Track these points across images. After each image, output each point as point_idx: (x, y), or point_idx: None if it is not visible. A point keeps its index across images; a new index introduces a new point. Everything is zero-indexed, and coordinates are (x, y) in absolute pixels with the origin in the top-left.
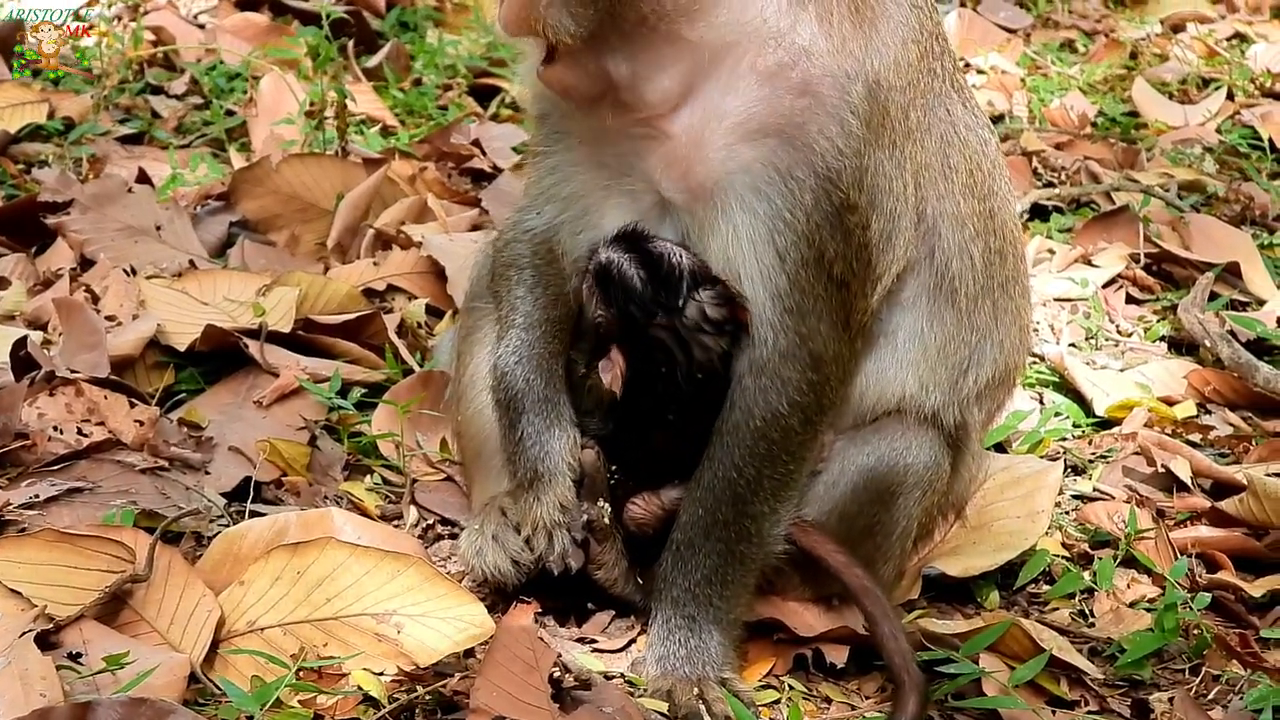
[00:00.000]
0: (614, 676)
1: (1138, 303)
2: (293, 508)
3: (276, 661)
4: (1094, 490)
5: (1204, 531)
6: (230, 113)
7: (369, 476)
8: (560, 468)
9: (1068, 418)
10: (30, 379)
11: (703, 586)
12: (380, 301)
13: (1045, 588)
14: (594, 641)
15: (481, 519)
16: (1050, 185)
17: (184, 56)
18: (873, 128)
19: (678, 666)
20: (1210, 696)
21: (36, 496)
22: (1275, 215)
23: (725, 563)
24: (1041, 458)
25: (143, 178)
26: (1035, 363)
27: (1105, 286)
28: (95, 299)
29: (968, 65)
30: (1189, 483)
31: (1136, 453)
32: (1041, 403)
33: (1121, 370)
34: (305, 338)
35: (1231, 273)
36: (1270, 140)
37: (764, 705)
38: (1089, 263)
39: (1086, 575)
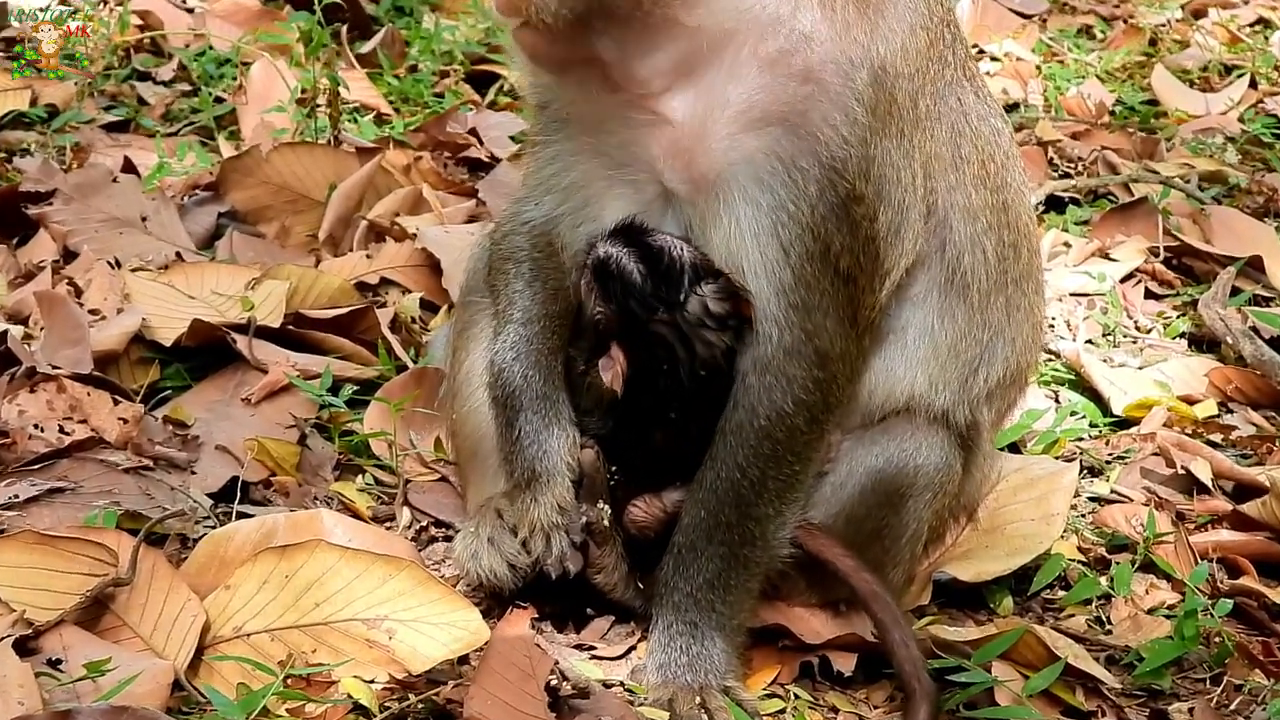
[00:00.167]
0: (613, 684)
1: (1157, 298)
2: (281, 509)
3: (263, 668)
4: (1111, 492)
5: (1225, 535)
6: (219, 100)
7: (361, 477)
8: (559, 468)
9: (1084, 417)
10: (10, 375)
11: (705, 591)
12: (373, 295)
13: (1060, 593)
14: (593, 648)
15: (477, 521)
16: (1066, 176)
17: (172, 42)
18: (879, 116)
19: (679, 674)
20: (1232, 707)
21: (16, 497)
22: None
23: (728, 567)
24: (1057, 458)
25: (128, 167)
26: (1051, 360)
27: (1123, 281)
28: (78, 292)
29: (981, 52)
30: (1210, 485)
31: (1155, 453)
32: (1057, 401)
33: (1140, 368)
34: (295, 333)
35: (1254, 267)
36: None
37: (768, 715)
38: (1106, 256)
39: (1103, 580)
